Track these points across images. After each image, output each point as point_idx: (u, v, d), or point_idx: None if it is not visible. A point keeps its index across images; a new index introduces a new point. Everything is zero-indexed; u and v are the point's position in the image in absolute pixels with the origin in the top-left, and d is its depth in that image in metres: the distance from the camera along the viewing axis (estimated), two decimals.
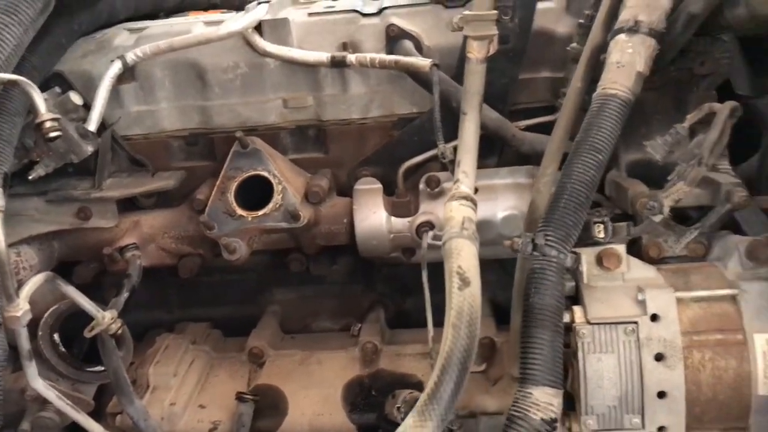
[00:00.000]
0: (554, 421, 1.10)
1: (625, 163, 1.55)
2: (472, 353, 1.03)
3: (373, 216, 1.64)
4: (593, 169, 1.22)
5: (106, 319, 1.34)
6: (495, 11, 1.28)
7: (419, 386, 1.54)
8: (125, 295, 1.49)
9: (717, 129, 1.25)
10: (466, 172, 1.31)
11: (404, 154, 1.68)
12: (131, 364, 1.67)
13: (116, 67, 1.64)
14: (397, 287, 1.89)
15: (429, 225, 1.61)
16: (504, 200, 1.62)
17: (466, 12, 1.30)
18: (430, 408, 0.99)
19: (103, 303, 1.51)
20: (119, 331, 1.37)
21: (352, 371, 1.63)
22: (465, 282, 1.07)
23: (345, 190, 1.75)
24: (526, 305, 1.16)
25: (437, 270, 1.67)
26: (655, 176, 1.44)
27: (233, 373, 1.69)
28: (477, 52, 1.31)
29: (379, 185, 1.68)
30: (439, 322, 1.72)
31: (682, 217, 1.45)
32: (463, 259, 1.11)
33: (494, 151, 1.71)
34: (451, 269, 1.10)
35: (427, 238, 1.56)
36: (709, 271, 1.30)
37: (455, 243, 1.14)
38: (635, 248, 1.42)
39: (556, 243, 1.18)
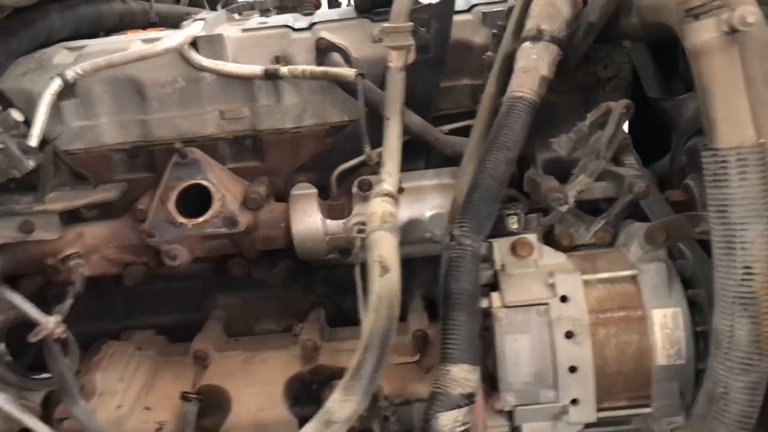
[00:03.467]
0: (472, 395, 1.20)
1: (541, 161, 1.67)
2: (392, 333, 1.12)
3: (308, 219, 1.72)
4: (504, 165, 1.33)
5: (50, 324, 1.39)
6: (411, 23, 1.39)
7: None
8: (69, 301, 1.54)
9: (612, 125, 1.38)
10: (390, 173, 1.42)
11: (338, 160, 1.77)
12: (77, 373, 1.72)
13: (56, 84, 1.69)
14: (335, 288, 1.98)
15: (362, 225, 1.70)
16: (431, 200, 1.72)
17: (385, 24, 1.40)
18: (353, 384, 1.07)
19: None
20: (64, 335, 1.42)
21: (293, 368, 1.70)
22: (384, 269, 1.16)
23: (282, 196, 1.82)
24: (445, 291, 1.26)
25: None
26: (569, 172, 1.57)
27: (179, 376, 1.74)
28: (396, 61, 1.42)
29: (314, 190, 1.76)
30: None
31: (594, 209, 1.57)
32: (383, 249, 1.20)
33: (422, 154, 1.81)
34: (373, 259, 1.19)
35: (360, 239, 1.65)
36: (613, 255, 1.42)
37: (376, 235, 1.24)
38: (551, 238, 1.54)
39: (470, 233, 1.28)
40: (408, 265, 1.89)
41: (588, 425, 1.37)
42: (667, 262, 1.36)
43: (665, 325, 1.30)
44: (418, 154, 1.81)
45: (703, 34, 1.10)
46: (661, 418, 1.34)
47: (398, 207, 1.34)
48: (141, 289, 1.93)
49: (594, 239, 1.49)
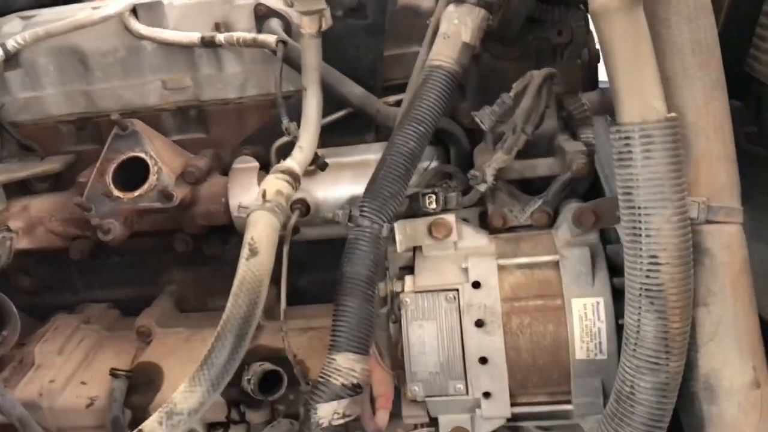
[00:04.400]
0: (356, 386, 1.12)
1: (491, 135, 1.56)
2: (251, 321, 1.05)
3: (246, 194, 1.65)
4: (414, 141, 1.23)
5: None
6: None
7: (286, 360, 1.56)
8: None
9: (529, 97, 1.26)
10: (302, 147, 1.34)
11: (282, 132, 1.70)
12: (23, 345, 1.72)
13: None
14: (291, 265, 1.91)
15: (303, 203, 1.63)
16: None
17: None
18: (200, 374, 1.01)
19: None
20: None
21: None
22: (253, 252, 1.09)
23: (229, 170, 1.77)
24: (339, 275, 1.18)
25: (330, 246, 1.71)
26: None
27: (120, 352, 1.72)
28: (309, 27, 1.32)
29: (255, 164, 1.69)
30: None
31: (546, 187, 1.45)
32: (257, 230, 1.13)
33: (370, 127, 1.72)
34: (245, 240, 1.12)
35: (295, 216, 1.57)
36: (540, 239, 1.31)
37: (254, 215, 1.17)
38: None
39: (370, 213, 1.19)
40: None
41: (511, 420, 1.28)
42: (595, 247, 1.24)
43: (585, 316, 1.19)
44: (367, 127, 1.71)
45: None
46: (584, 416, 1.24)
47: (297, 184, 1.26)
48: (99, 263, 1.92)
49: (531, 220, 1.38)
